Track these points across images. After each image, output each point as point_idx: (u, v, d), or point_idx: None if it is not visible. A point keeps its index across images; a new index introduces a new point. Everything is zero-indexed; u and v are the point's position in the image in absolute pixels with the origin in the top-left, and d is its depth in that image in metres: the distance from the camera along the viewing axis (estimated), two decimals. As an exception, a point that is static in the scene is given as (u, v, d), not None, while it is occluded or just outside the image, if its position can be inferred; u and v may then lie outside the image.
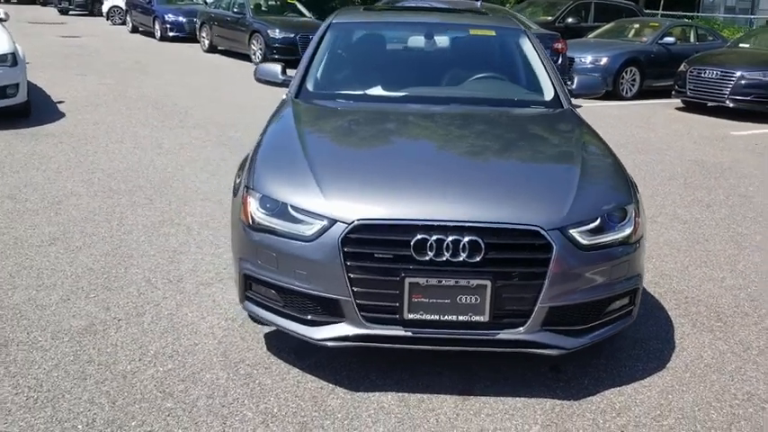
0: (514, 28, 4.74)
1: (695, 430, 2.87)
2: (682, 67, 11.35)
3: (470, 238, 2.82)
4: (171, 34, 19.57)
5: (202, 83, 12.24)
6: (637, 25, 13.91)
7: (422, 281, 2.83)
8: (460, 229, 2.84)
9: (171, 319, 3.63)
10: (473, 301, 2.84)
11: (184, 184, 6.11)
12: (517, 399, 3.03)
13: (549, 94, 4.21)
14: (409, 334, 2.91)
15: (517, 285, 2.87)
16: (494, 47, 4.65)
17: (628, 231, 3.07)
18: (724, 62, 10.97)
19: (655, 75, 12.52)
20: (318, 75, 4.29)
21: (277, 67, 4.38)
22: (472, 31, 4.64)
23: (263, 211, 3.08)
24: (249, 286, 3.16)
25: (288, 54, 15.30)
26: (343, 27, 4.65)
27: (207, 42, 17.60)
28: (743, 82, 10.53)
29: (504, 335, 2.91)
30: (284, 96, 4.22)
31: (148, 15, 20.38)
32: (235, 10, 16.66)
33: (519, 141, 3.69)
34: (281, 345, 3.38)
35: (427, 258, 2.82)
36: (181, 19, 19.65)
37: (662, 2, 19.76)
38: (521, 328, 2.91)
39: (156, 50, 17.30)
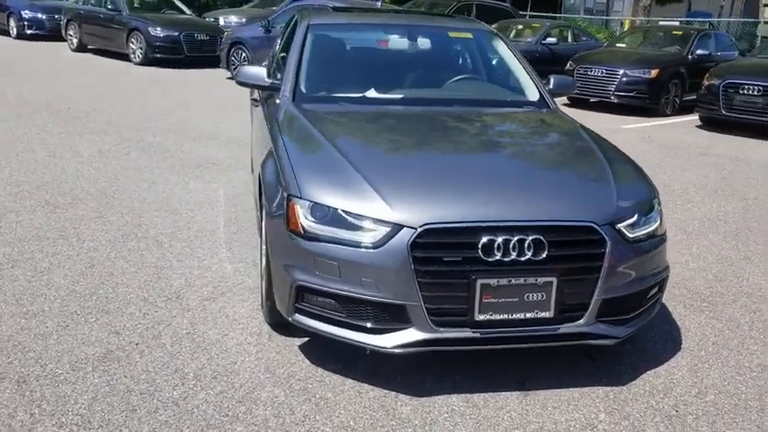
0: (488, 30, 4.88)
1: (735, 403, 3.12)
2: (568, 66, 12.07)
3: (534, 236, 2.90)
4: (29, 32, 18.20)
5: (86, 83, 11.50)
6: (519, 26, 14.62)
7: (492, 281, 2.87)
8: (524, 229, 2.91)
9: (192, 338, 3.43)
10: (540, 297, 2.93)
11: (127, 194, 5.73)
12: (572, 389, 3.15)
13: (534, 95, 4.38)
14: (477, 335, 2.94)
15: (577, 280, 2.98)
16: (473, 49, 4.76)
17: (657, 224, 3.27)
18: (608, 61, 11.79)
19: (538, 73, 13.20)
20: (310, 78, 4.19)
21: (261, 71, 4.23)
22: (451, 34, 4.72)
23: (314, 219, 3.00)
24: (301, 298, 3.06)
25: (172, 53, 14.73)
26: (323, 29, 4.57)
27: (75, 41, 16.48)
28: (625, 79, 11.38)
29: (565, 329, 3.02)
30: (277, 100, 4.09)
31: (2, 12, 18.76)
32: (109, 7, 15.73)
33: (539, 141, 3.82)
34: (322, 356, 3.30)
35: (496, 259, 2.87)
36: (40, 16, 18.31)
37: (530, 3, 20.93)
38: (580, 321, 3.03)
39: (18, 50, 16.00)
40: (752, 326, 3.89)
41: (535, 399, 3.07)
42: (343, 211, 2.97)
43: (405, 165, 3.37)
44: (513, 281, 2.89)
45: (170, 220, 5.14)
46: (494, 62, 4.69)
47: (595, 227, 3.00)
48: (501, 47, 4.70)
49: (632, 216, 3.13)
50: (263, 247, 3.66)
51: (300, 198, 3.05)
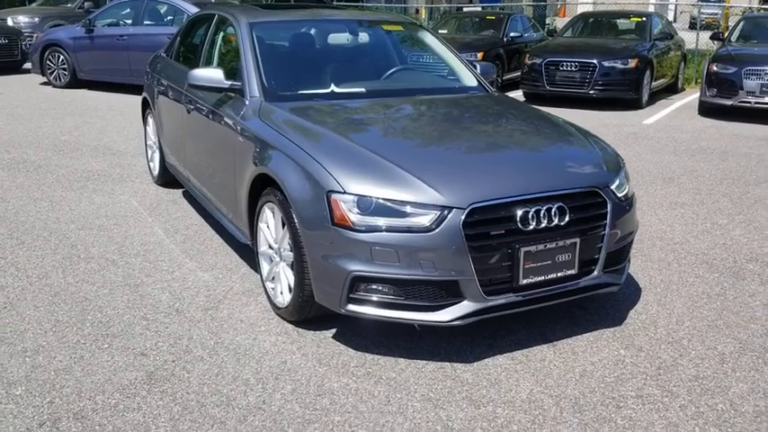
0: (414, 22, 5.16)
1: (708, 324, 3.72)
2: (529, 60, 11.54)
3: (558, 204, 3.27)
4: None
5: None
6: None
7: (532, 248, 3.20)
8: (549, 199, 3.27)
9: (225, 346, 3.39)
10: (567, 257, 3.31)
11: (32, 215, 5.28)
12: (585, 335, 3.58)
13: (472, 81, 4.75)
14: (520, 298, 3.27)
15: (591, 238, 3.40)
16: (409, 40, 5.01)
17: (629, 185, 3.80)
18: (578, 53, 11.31)
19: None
20: (273, 77, 4.19)
21: (218, 72, 4.15)
22: (385, 26, 4.93)
23: (360, 211, 3.12)
24: (356, 288, 3.17)
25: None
26: (265, 27, 4.56)
27: None
28: (602, 72, 10.92)
29: (584, 282, 3.44)
30: (246, 101, 4.06)
31: None
32: None
33: (518, 121, 4.15)
34: (361, 342, 3.44)
35: (532, 228, 3.21)
36: None
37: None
38: (594, 274, 3.46)
39: None
40: (679, 263, 4.61)
41: (563, 347, 3.46)
42: (388, 199, 3.12)
43: (426, 152, 3.56)
44: (547, 245, 3.24)
45: (103, 237, 4.85)
46: (431, 52, 4.98)
47: (598, 190, 3.44)
48: (431, 38, 5.01)
49: (616, 179, 3.62)
50: (269, 249, 3.69)
51: (344, 193, 3.15)
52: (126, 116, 9.60)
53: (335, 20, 4.99)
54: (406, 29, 5.11)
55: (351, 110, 4.02)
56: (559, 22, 21.85)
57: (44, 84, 12.57)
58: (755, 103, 9.86)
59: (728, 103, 10.04)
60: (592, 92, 11.02)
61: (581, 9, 30.21)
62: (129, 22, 11.63)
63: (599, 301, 3.95)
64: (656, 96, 12.13)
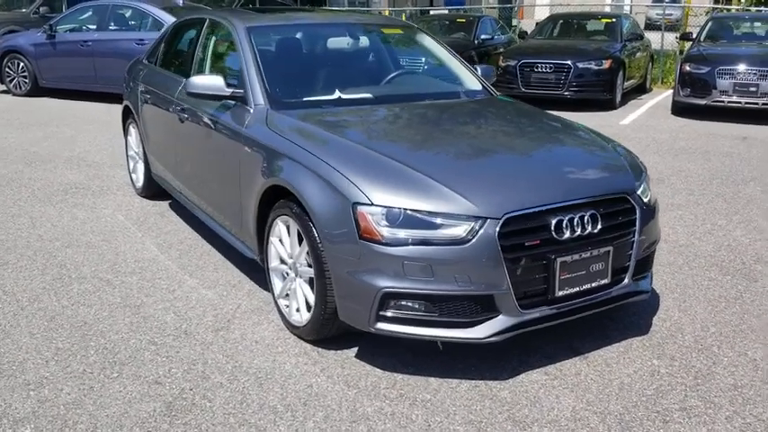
0: (412, 26, 5.01)
1: (733, 330, 3.66)
2: (503, 62, 11.46)
3: (591, 211, 3.16)
4: None
5: None
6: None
7: (568, 258, 3.08)
8: (581, 206, 3.16)
9: (244, 371, 3.19)
10: (600, 267, 3.20)
11: (12, 233, 5.00)
12: (614, 346, 3.47)
13: (476, 84, 4.63)
14: (555, 311, 3.14)
15: (622, 246, 3.29)
16: (409, 44, 4.86)
17: (651, 192, 3.71)
18: (552, 54, 11.33)
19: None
20: (277, 83, 3.99)
21: (218, 80, 3.94)
22: (384, 30, 4.77)
23: (389, 223, 2.97)
24: (386, 305, 3.01)
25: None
26: (264, 31, 4.36)
27: None
28: (577, 73, 10.91)
29: (616, 291, 3.33)
30: (250, 109, 3.86)
31: None
32: None
33: (532, 126, 4.03)
34: (386, 361, 3.27)
35: (566, 237, 3.09)
36: None
37: (299, -3, 21.18)
38: (624, 282, 3.35)
39: None
40: (689, 266, 4.55)
41: (594, 360, 3.35)
42: (417, 210, 2.97)
43: (452, 160, 3.41)
44: (582, 255, 3.12)
45: (93, 255, 4.59)
46: (432, 56, 4.84)
47: (627, 196, 3.34)
48: (430, 41, 4.88)
49: (641, 185, 3.53)
50: (281, 264, 3.53)
51: (371, 205, 2.99)
52: (95, 125, 9.25)
53: (334, 23, 4.82)
54: (405, 32, 4.96)
55: (365, 117, 3.85)
56: (523, 25, 21.95)
57: (3, 92, 12.08)
58: (729, 102, 9.97)
59: (702, 102, 10.14)
60: (567, 93, 11.03)
61: (538, 12, 30.55)
62: (94, 27, 11.23)
63: (621, 308, 3.85)
64: (627, 97, 12.22)
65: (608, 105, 11.29)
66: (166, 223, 5.26)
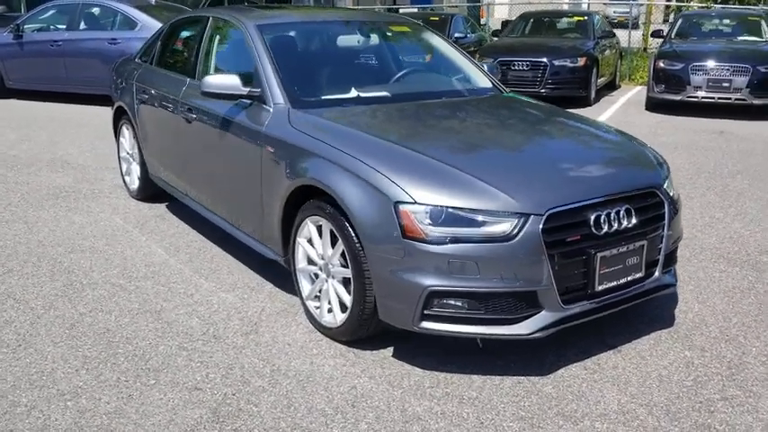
0: (419, 24, 5.00)
1: (756, 322, 3.75)
2: (480, 60, 11.24)
3: (626, 206, 3.20)
4: None
5: None
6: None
7: (608, 253, 3.11)
8: (616, 201, 3.19)
9: (284, 374, 3.14)
10: (635, 260, 3.24)
11: (9, 238, 4.82)
12: (644, 338, 3.51)
13: (486, 82, 4.64)
14: (594, 305, 3.17)
15: (653, 239, 3.34)
16: (417, 41, 4.84)
17: (674, 187, 3.76)
18: (528, 52, 11.37)
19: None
20: (294, 82, 3.93)
21: (234, 79, 3.86)
22: (393, 28, 4.75)
23: (432, 222, 2.95)
24: (431, 303, 2.99)
25: None
26: (275, 29, 4.29)
27: None
28: (553, 71, 11.05)
29: (648, 284, 3.37)
30: (269, 108, 3.79)
31: None
32: None
33: (555, 122, 4.04)
34: (426, 360, 3.25)
35: (604, 232, 3.12)
36: None
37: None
38: (655, 275, 3.39)
39: None
40: (697, 258, 4.64)
41: (628, 353, 3.39)
42: (460, 208, 2.96)
43: (488, 157, 3.40)
44: (619, 249, 3.15)
45: (99, 260, 4.46)
46: (440, 53, 4.83)
47: (656, 191, 3.39)
48: (438, 39, 4.87)
49: (666, 179, 3.58)
50: (309, 265, 3.49)
51: (414, 203, 2.97)
52: (71, 126, 9.00)
53: (342, 21, 4.77)
54: (412, 30, 4.94)
55: (390, 115, 3.81)
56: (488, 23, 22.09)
57: (-32, 94, 11.69)
58: (703, 97, 10.20)
59: (677, 98, 10.36)
60: (543, 91, 11.13)
61: (498, 10, 30.83)
62: (64, 26, 10.93)
63: (645, 301, 3.89)
64: (599, 94, 12.41)
65: (583, 102, 11.44)
66: (168, 226, 5.15)
